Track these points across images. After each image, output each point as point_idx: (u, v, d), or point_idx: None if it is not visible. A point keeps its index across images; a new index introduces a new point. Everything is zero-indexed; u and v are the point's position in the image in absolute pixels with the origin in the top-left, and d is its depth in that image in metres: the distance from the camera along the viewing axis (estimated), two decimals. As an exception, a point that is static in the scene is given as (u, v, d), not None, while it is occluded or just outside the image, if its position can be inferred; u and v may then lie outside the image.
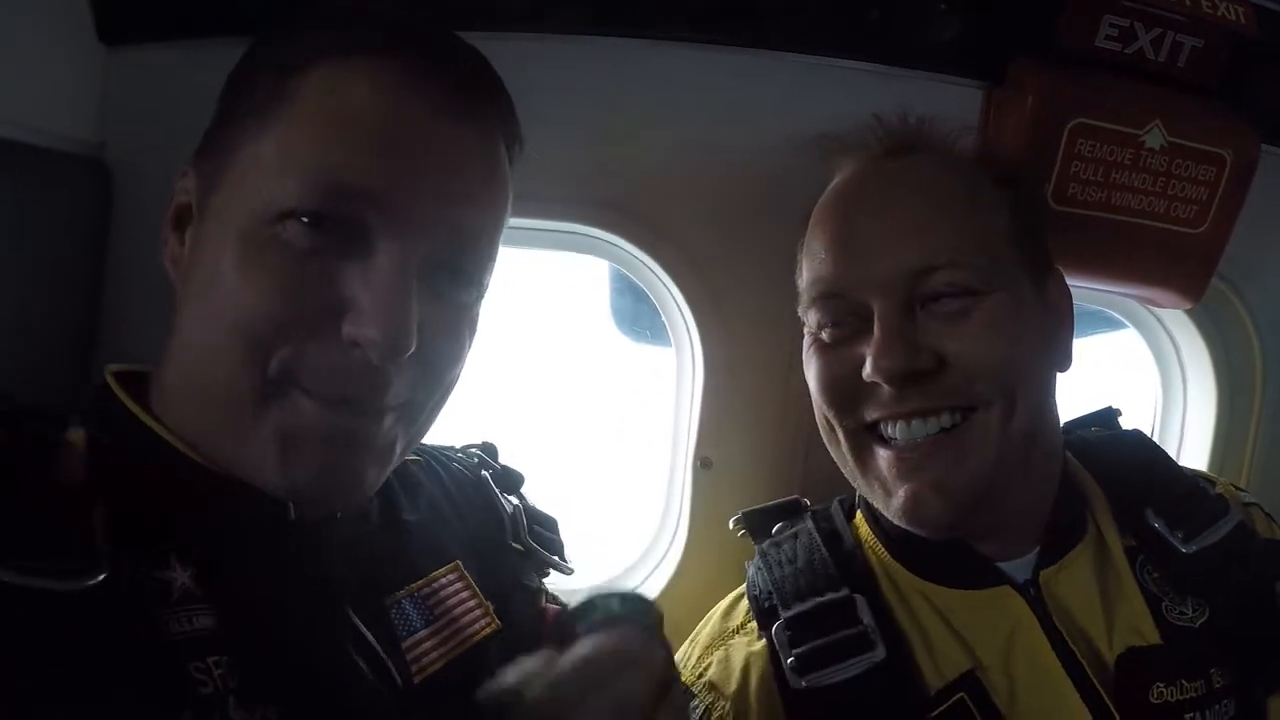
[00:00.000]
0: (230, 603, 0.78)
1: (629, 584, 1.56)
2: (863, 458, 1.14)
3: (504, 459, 1.27)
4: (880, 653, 1.08)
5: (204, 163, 0.87)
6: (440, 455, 1.18)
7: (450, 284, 0.88)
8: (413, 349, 0.80)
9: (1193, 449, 1.67)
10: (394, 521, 1.00)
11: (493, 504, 1.16)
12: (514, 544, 1.14)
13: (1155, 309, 1.65)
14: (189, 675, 0.73)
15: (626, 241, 1.42)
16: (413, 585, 0.95)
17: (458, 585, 1.00)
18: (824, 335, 1.15)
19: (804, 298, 1.17)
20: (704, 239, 1.42)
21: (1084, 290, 1.56)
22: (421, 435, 0.95)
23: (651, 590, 1.50)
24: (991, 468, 1.08)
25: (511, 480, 1.22)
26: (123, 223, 1.20)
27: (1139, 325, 1.71)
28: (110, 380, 0.89)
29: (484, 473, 1.20)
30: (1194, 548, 1.14)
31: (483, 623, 0.99)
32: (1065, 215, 1.40)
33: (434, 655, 0.92)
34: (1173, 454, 1.65)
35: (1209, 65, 1.45)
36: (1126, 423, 1.40)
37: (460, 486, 1.15)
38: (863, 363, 1.08)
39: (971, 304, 1.07)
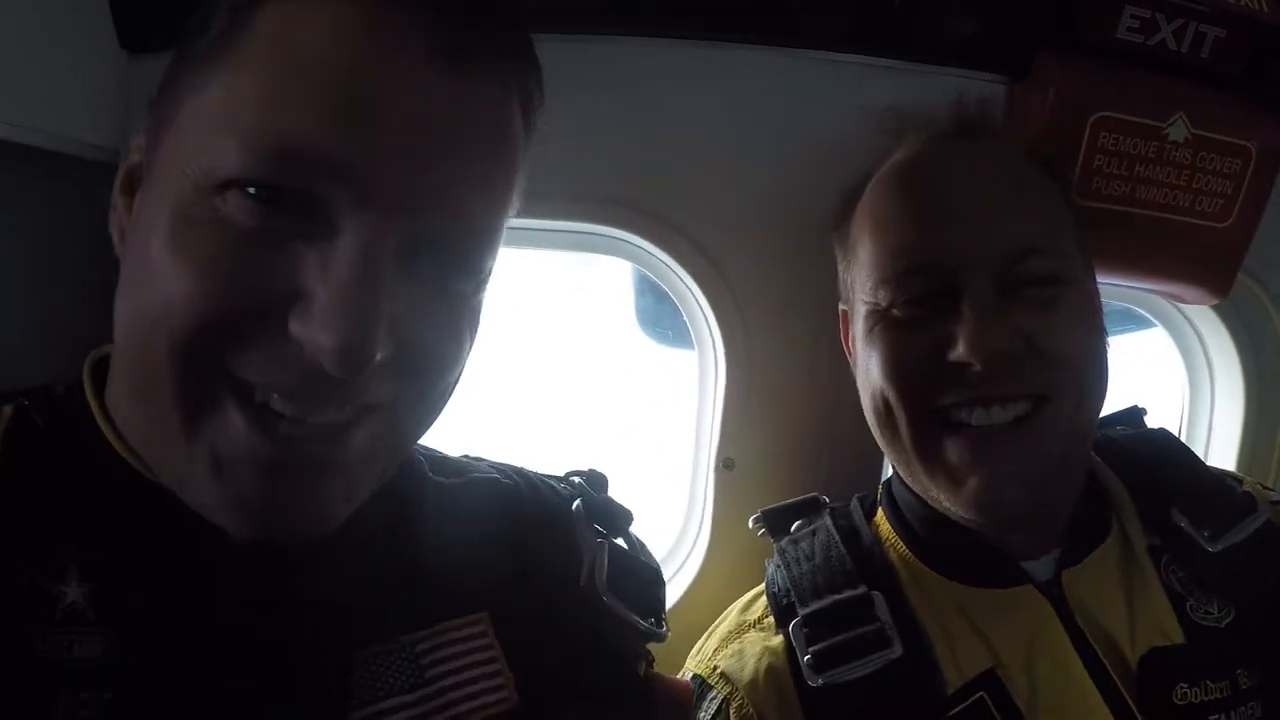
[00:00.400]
0: (129, 634, 0.66)
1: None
2: (929, 445, 1.08)
3: (610, 492, 1.08)
4: (897, 650, 1.06)
5: (153, 115, 0.71)
6: (510, 477, 0.99)
7: (443, 268, 0.70)
8: (377, 358, 0.62)
9: (1220, 446, 1.65)
10: (395, 555, 0.83)
11: (575, 545, 0.96)
12: (593, 592, 0.93)
13: (1181, 305, 1.63)
14: (50, 711, 0.62)
15: (647, 241, 1.42)
16: (404, 638, 0.79)
17: (473, 644, 0.82)
18: (896, 312, 1.09)
19: (876, 272, 1.10)
20: (724, 238, 1.42)
21: (1109, 287, 1.55)
22: (408, 448, 0.81)
23: (675, 590, 1.49)
24: (1060, 459, 1.07)
25: (610, 516, 1.02)
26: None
27: (1165, 322, 1.69)
28: (88, 363, 0.78)
29: (576, 504, 0.99)
30: (1220, 546, 1.11)
31: (494, 697, 0.80)
32: (1089, 210, 1.39)
33: None
34: (1200, 452, 1.63)
35: (1232, 55, 1.43)
36: (1153, 421, 1.38)
37: (528, 521, 0.95)
38: (943, 343, 1.04)
39: (1059, 293, 1.05)
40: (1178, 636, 1.08)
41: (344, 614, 0.76)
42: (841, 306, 1.26)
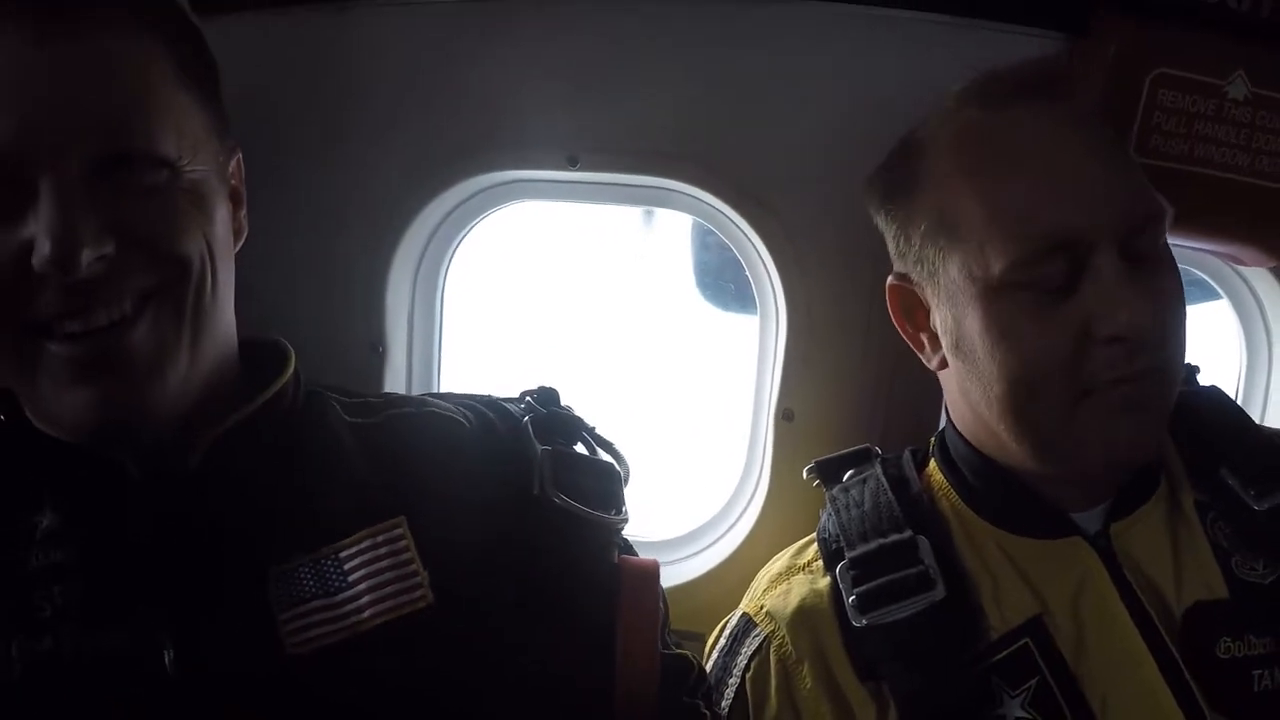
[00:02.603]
0: (88, 546, 0.88)
1: (713, 534, 1.60)
2: (1073, 423, 1.06)
3: (562, 404, 1.20)
4: (940, 592, 1.09)
5: None
6: (435, 405, 1.12)
7: (129, 174, 0.86)
8: (89, 252, 0.81)
9: (1277, 413, 1.64)
10: (296, 479, 0.97)
11: (527, 455, 1.08)
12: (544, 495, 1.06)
13: (1239, 268, 1.63)
14: (31, 602, 0.84)
15: (712, 196, 1.46)
16: (326, 548, 0.93)
17: (391, 548, 0.94)
18: (1031, 294, 1.05)
19: (1008, 253, 1.05)
20: (783, 191, 1.45)
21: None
22: (206, 327, 0.94)
23: (735, 538, 1.52)
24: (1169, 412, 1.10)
25: (560, 426, 1.15)
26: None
27: (1222, 284, 1.69)
28: None
29: (526, 420, 1.13)
30: (1266, 505, 1.12)
31: (409, 596, 0.92)
32: (1148, 168, 1.39)
33: (326, 629, 0.90)
34: (1257, 416, 1.63)
35: None
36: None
37: (463, 437, 1.08)
38: (1083, 323, 1.03)
39: (1165, 264, 1.07)
40: (1222, 591, 1.09)
41: (247, 532, 0.92)
42: (891, 281, 1.24)
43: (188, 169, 0.90)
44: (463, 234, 1.60)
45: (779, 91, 1.43)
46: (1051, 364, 1.05)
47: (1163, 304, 1.05)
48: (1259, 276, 1.62)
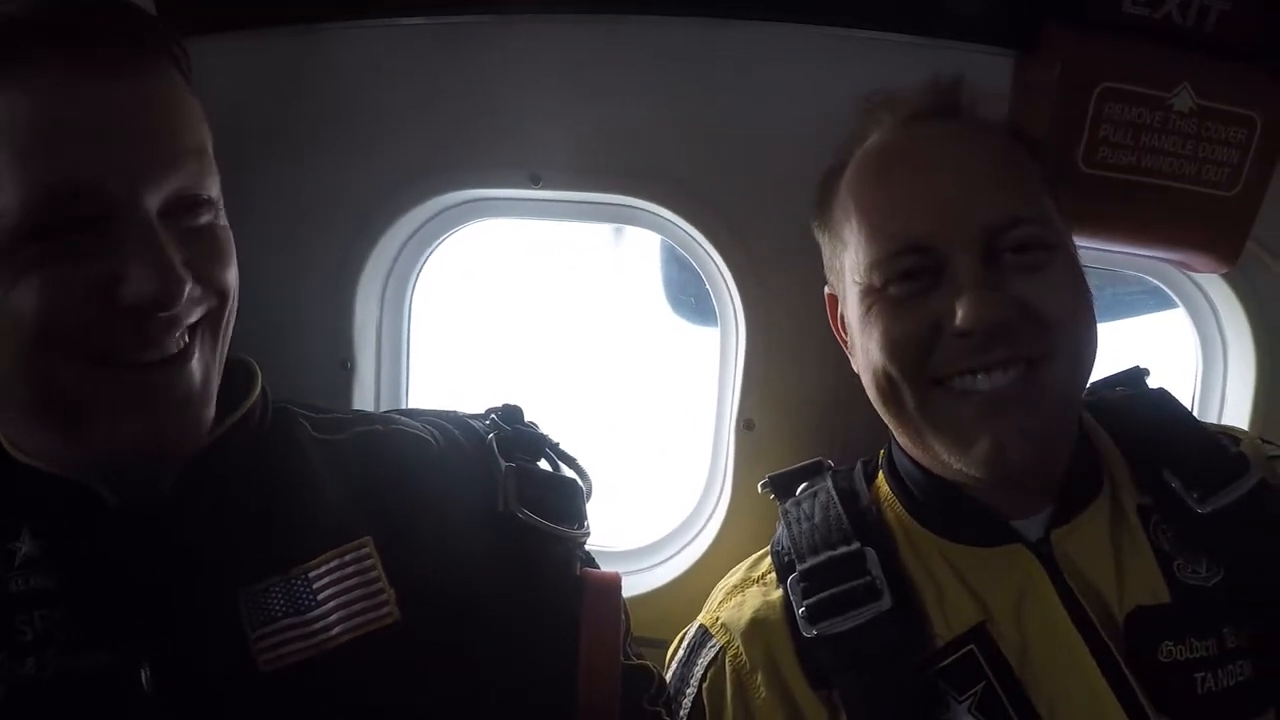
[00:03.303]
0: (69, 570, 0.91)
1: (678, 543, 1.63)
2: (933, 412, 1.13)
3: (526, 421, 1.23)
4: (887, 602, 1.12)
5: None
6: (401, 424, 1.14)
7: (185, 213, 0.90)
8: (189, 287, 0.86)
9: (1234, 413, 1.67)
10: (266, 502, 1.00)
11: (490, 471, 1.12)
12: (510, 511, 1.08)
13: (1192, 274, 1.67)
14: (13, 626, 0.87)
15: (670, 212, 1.49)
16: (295, 569, 0.96)
17: (358, 567, 0.97)
18: (891, 291, 1.13)
19: (867, 255, 1.15)
20: (744, 208, 1.48)
21: (1121, 255, 1.59)
22: (224, 353, 0.98)
23: (699, 547, 1.55)
24: (1059, 416, 1.13)
25: (524, 443, 1.18)
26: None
27: (1176, 291, 1.72)
28: None
29: (490, 438, 1.16)
30: (1208, 508, 1.14)
31: (376, 614, 0.95)
32: (1097, 179, 1.43)
33: (297, 646, 0.92)
34: (1214, 420, 1.66)
35: (1239, 27, 1.44)
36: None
37: (430, 455, 1.11)
38: (938, 317, 1.09)
39: (1047, 257, 1.11)
40: (1164, 595, 1.11)
41: (219, 554, 0.95)
42: (828, 290, 1.32)
43: (220, 206, 0.95)
44: (429, 251, 1.63)
45: (740, 111, 1.46)
46: (906, 353, 1.12)
47: (1031, 301, 1.08)
48: (1212, 282, 1.65)
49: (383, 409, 1.59)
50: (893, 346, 1.13)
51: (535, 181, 1.48)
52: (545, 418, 1.27)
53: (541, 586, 1.07)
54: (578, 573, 1.11)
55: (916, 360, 1.12)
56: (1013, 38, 1.46)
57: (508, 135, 1.47)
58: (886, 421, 1.22)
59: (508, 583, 1.04)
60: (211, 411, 0.95)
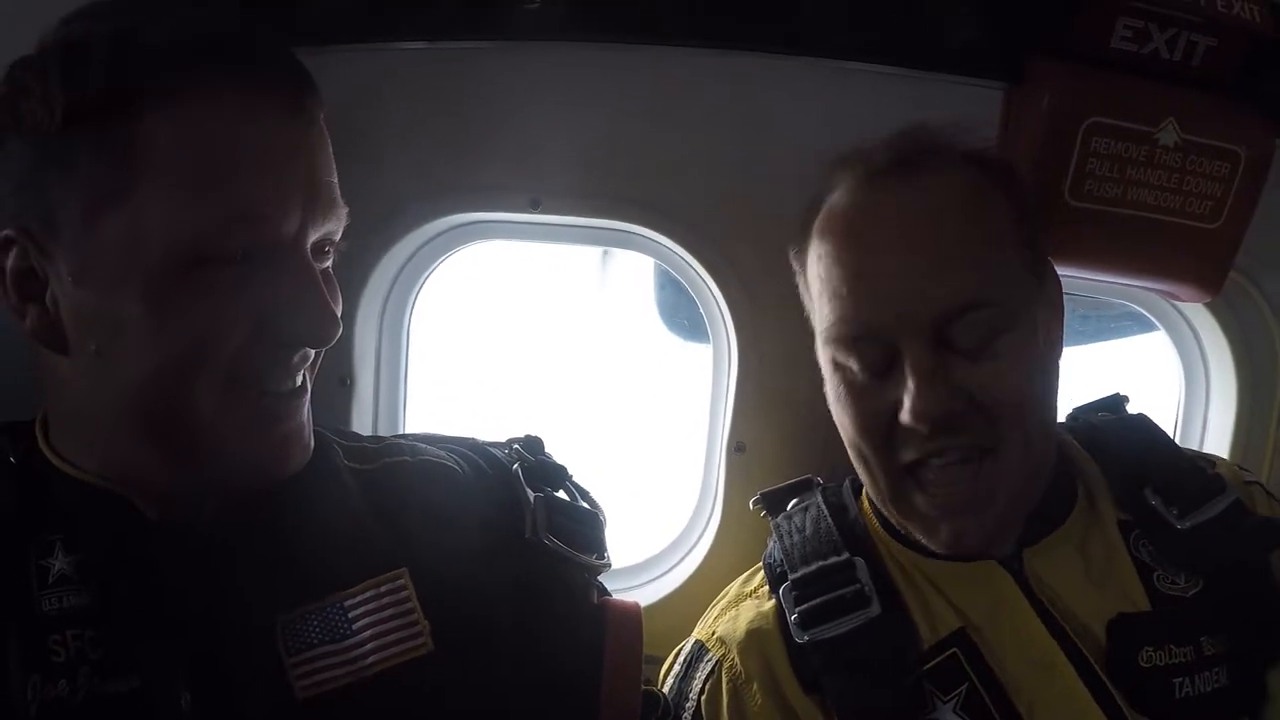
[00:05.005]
0: (102, 590, 0.90)
1: (670, 560, 1.66)
2: (900, 497, 1.19)
3: (546, 452, 1.27)
4: (875, 609, 1.17)
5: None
6: (429, 454, 1.16)
7: (325, 258, 0.97)
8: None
9: (1215, 440, 1.70)
10: (306, 532, 1.00)
11: (517, 500, 1.15)
12: (537, 539, 1.12)
13: (1177, 303, 1.70)
14: (45, 646, 0.86)
15: (666, 238, 1.52)
16: (331, 598, 0.98)
17: (394, 598, 0.99)
18: (853, 372, 1.18)
19: (824, 335, 1.20)
20: (737, 236, 1.52)
21: (1105, 284, 1.63)
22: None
23: (690, 564, 1.58)
24: (1020, 490, 1.19)
25: (546, 474, 1.21)
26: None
27: (1161, 319, 1.75)
28: (39, 416, 1.00)
29: (516, 467, 1.19)
30: (1188, 524, 1.20)
31: (410, 644, 0.98)
32: (1083, 210, 1.46)
33: (334, 674, 0.94)
34: (1195, 444, 1.70)
35: (1224, 63, 1.48)
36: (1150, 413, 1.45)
37: (458, 485, 1.14)
38: (896, 405, 1.13)
39: (1001, 339, 1.13)
40: (1144, 604, 1.17)
41: (257, 581, 0.96)
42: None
43: None
44: (428, 271, 1.66)
45: (734, 139, 1.50)
46: (873, 438, 1.18)
47: (976, 393, 1.12)
48: (1196, 311, 1.69)
49: (381, 426, 1.63)
50: (860, 431, 1.20)
51: (535, 205, 1.51)
52: (546, 438, 1.30)
53: (565, 614, 1.10)
54: (596, 600, 1.14)
55: (881, 446, 1.17)
56: (1002, 71, 1.49)
57: (509, 160, 1.50)
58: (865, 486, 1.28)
59: (533, 610, 1.07)
60: (313, 440, 0.98)
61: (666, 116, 1.49)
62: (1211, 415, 1.72)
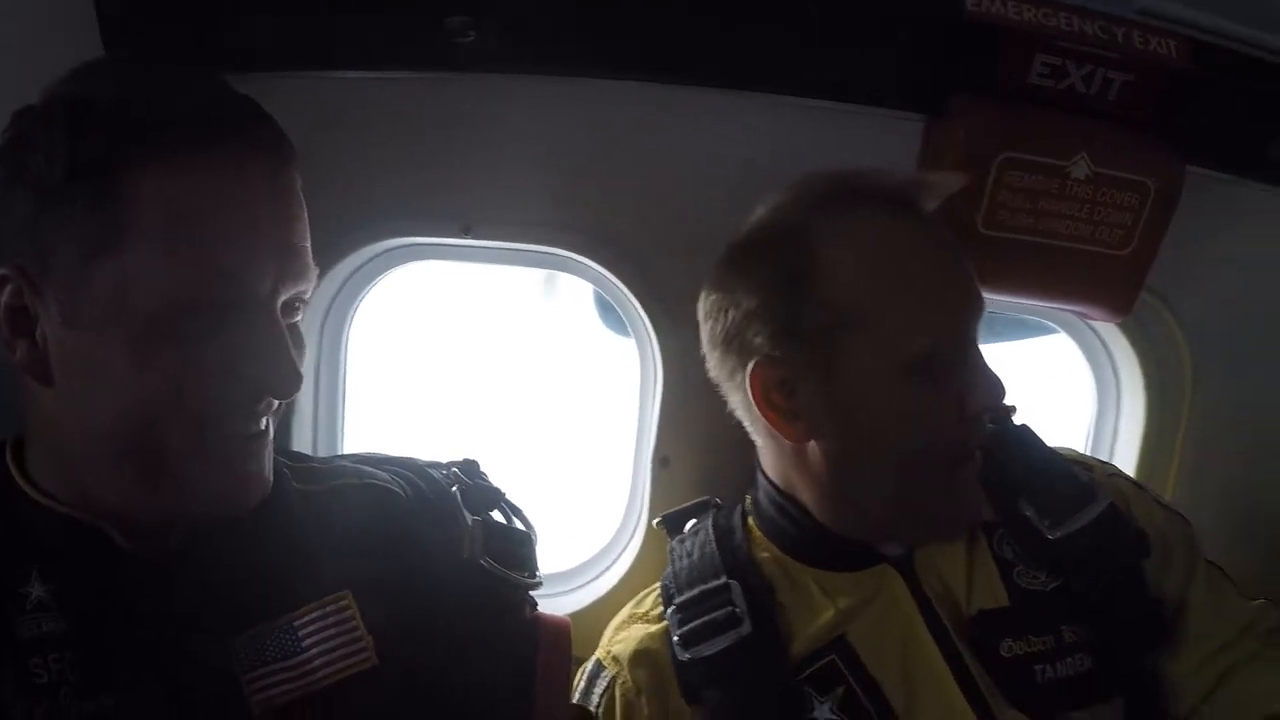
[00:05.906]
0: (77, 616, 0.96)
1: (595, 570, 1.73)
2: (954, 485, 1.28)
3: (483, 474, 1.32)
4: (746, 628, 1.27)
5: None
6: (374, 477, 1.22)
7: (290, 313, 1.01)
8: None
9: (1124, 454, 1.78)
10: (261, 556, 1.07)
11: (456, 523, 1.21)
12: (474, 561, 1.18)
13: (1090, 322, 1.76)
14: (28, 670, 0.93)
15: (594, 262, 1.57)
16: (281, 619, 1.03)
17: (338, 618, 1.05)
18: (933, 384, 1.22)
19: (905, 357, 1.21)
20: (663, 260, 1.56)
21: (1021, 305, 1.69)
22: None
23: (610, 581, 1.67)
24: None
25: (483, 496, 1.27)
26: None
27: (1076, 336, 1.82)
28: (9, 442, 1.06)
29: (454, 489, 1.25)
30: (1058, 534, 1.30)
31: (354, 659, 1.03)
32: (995, 239, 1.52)
33: (285, 688, 1.00)
34: (1106, 456, 1.78)
35: (1140, 98, 1.52)
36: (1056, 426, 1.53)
37: (399, 514, 1.19)
38: (959, 399, 1.23)
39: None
40: (1004, 599, 1.28)
41: (216, 604, 1.02)
42: (759, 361, 1.29)
43: None
44: (364, 293, 1.70)
45: (660, 169, 1.54)
46: (953, 440, 1.25)
47: None
48: (1108, 330, 1.75)
49: (320, 444, 1.68)
50: (947, 436, 1.24)
51: (466, 231, 1.55)
52: (486, 450, 1.37)
53: (500, 632, 1.17)
54: (529, 615, 1.22)
55: (951, 440, 1.25)
56: (923, 104, 1.53)
57: (441, 187, 1.53)
58: (890, 505, 1.29)
59: (471, 627, 1.14)
60: (272, 475, 1.06)
61: (596, 146, 1.52)
62: (1121, 429, 1.80)
